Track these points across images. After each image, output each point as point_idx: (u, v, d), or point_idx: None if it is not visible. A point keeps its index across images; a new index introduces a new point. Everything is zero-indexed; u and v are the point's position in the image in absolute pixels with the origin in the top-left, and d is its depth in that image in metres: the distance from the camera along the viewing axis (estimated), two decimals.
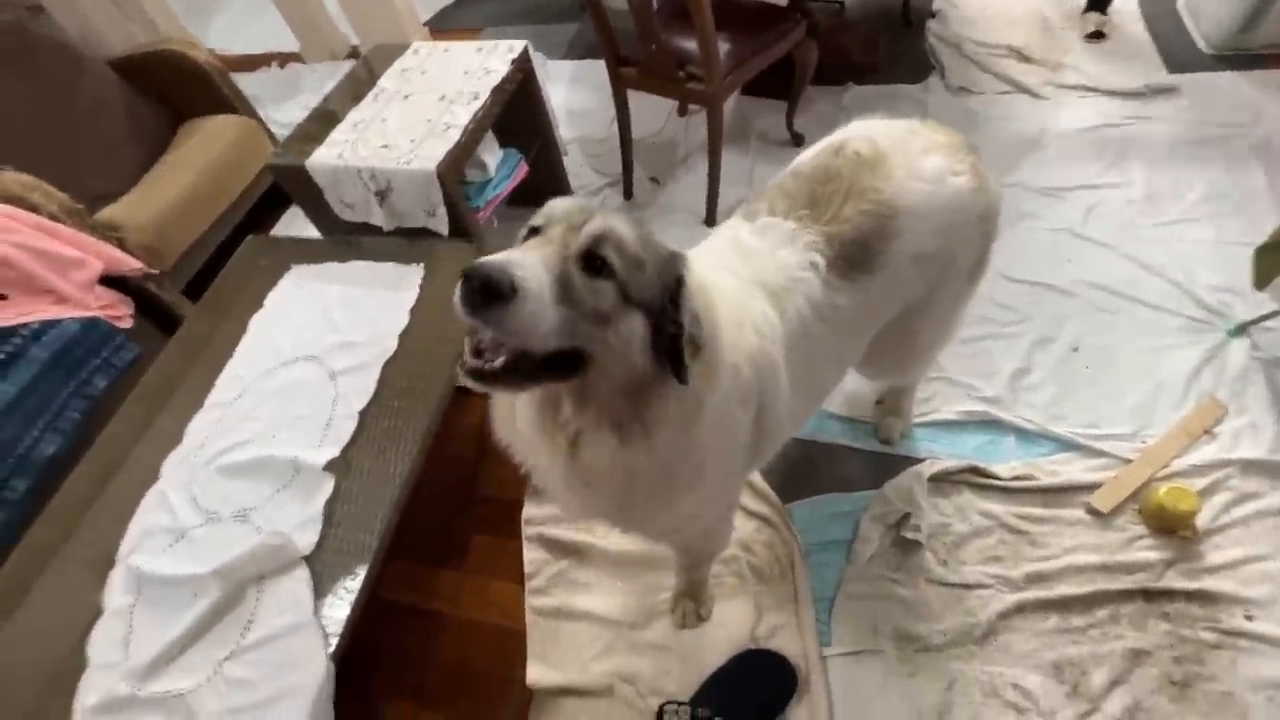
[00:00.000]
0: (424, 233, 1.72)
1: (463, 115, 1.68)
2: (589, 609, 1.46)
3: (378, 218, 1.70)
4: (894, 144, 1.00)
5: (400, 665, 1.49)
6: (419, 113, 1.73)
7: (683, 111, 2.61)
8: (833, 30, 2.67)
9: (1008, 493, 1.49)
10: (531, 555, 1.56)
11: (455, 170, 1.66)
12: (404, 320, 1.46)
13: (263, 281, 1.64)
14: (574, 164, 2.45)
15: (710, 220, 2.19)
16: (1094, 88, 2.33)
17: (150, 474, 1.32)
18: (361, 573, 1.13)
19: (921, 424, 1.63)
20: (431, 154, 1.60)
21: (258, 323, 1.56)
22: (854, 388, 1.68)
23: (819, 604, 1.40)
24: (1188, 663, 1.25)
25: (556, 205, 0.70)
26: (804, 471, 1.60)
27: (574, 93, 2.82)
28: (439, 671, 1.47)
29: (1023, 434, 1.58)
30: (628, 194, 2.34)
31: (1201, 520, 1.38)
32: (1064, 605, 1.33)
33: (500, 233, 2.06)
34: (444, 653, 1.49)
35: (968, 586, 1.38)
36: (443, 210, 1.63)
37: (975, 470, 1.52)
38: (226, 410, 1.39)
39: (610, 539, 1.54)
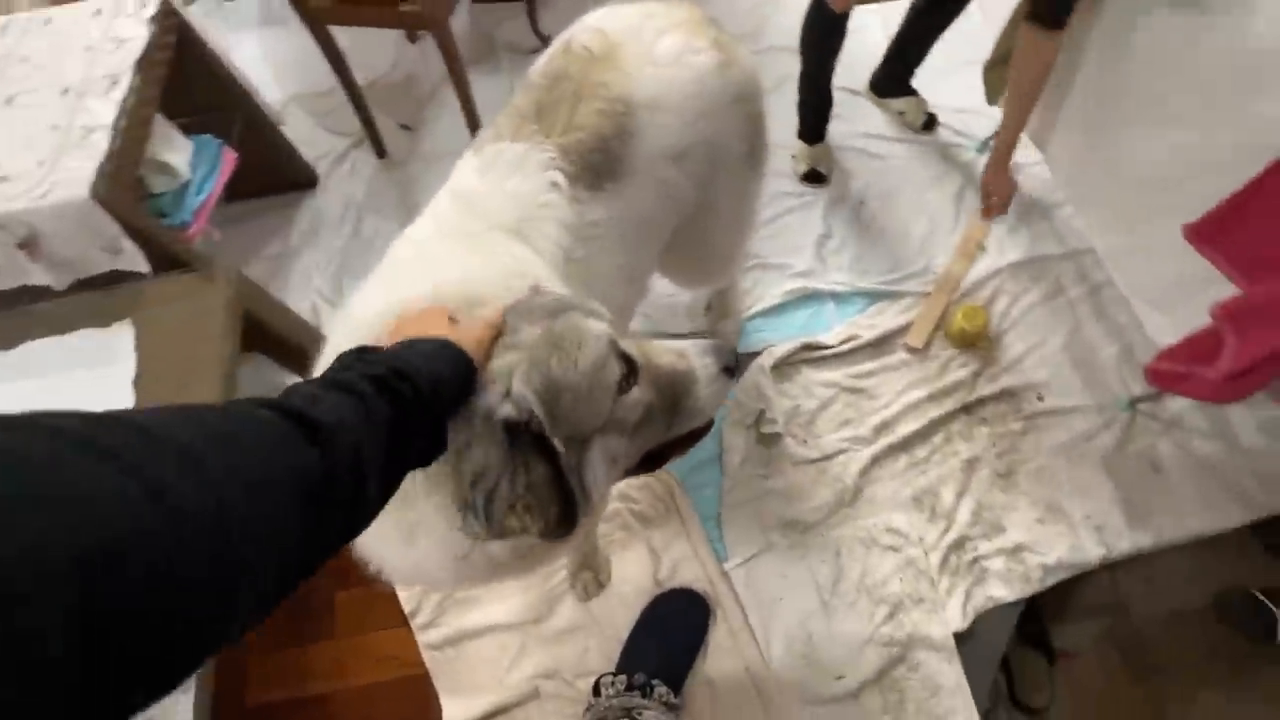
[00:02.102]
0: (121, 275, 1.32)
1: (104, 110, 1.25)
2: (488, 622, 1.35)
3: (39, 276, 1.26)
4: (627, 31, 0.89)
5: None
6: (37, 119, 1.26)
7: (413, 38, 2.23)
8: None
9: (839, 358, 1.57)
10: (407, 592, 1.40)
11: (123, 186, 1.25)
12: (128, 399, 1.13)
13: None
14: (300, 131, 2.02)
15: None
16: None
17: None
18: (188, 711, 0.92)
19: (750, 316, 1.64)
20: (76, 174, 1.18)
21: None
22: (681, 300, 1.64)
23: (707, 525, 1.42)
24: (1008, 455, 1.45)
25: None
26: None
27: (270, 39, 2.28)
28: None
29: (839, 298, 1.65)
30: (380, 152, 1.99)
31: (992, 328, 1.56)
32: (908, 443, 1.46)
33: (227, 247, 1.67)
34: None
35: (829, 457, 1.46)
36: (128, 243, 1.24)
37: (807, 346, 1.57)
38: None
39: None
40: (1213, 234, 1.17)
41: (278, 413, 0.37)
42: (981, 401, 1.50)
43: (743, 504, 1.43)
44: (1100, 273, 1.61)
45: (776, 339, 1.60)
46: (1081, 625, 1.41)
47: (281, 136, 1.82)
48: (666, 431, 0.65)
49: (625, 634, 1.31)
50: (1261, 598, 1.39)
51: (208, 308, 1.22)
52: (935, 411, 1.48)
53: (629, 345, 0.62)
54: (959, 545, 1.36)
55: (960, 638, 1.29)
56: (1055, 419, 1.48)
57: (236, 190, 1.63)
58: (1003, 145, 1.52)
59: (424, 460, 0.50)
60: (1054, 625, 1.40)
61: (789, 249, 1.72)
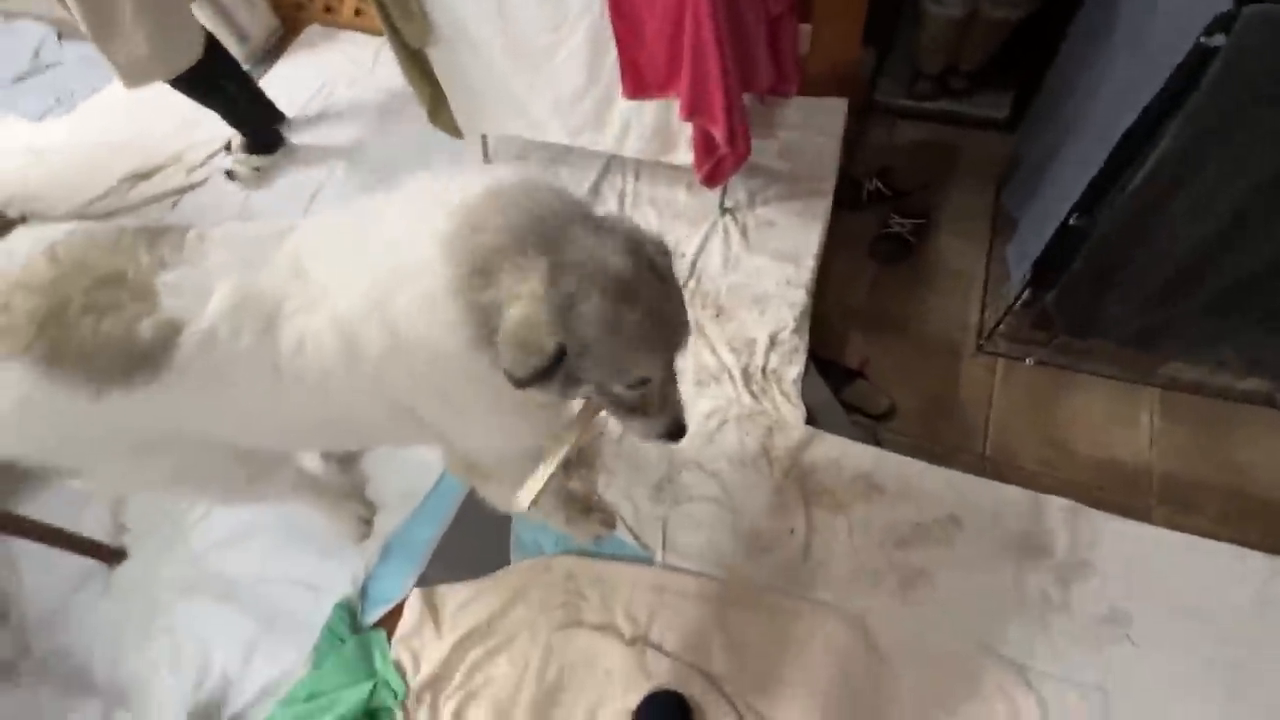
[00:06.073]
0: None
1: None
2: None
3: None
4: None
5: None
6: None
7: None
8: None
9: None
10: None
11: None
12: None
13: None
14: None
15: None
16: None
17: None
18: None
19: None
20: None
21: None
22: None
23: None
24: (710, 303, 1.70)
25: None
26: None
27: None
28: None
29: None
30: None
31: None
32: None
33: None
34: None
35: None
36: None
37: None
38: None
39: None
40: (637, 84, 1.50)
41: None
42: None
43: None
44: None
45: None
46: (845, 338, 1.71)
47: None
48: None
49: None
50: (882, 231, 1.84)
51: None
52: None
53: None
54: (747, 375, 1.56)
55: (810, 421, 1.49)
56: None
57: None
58: None
59: None
60: (841, 355, 1.69)
61: None
